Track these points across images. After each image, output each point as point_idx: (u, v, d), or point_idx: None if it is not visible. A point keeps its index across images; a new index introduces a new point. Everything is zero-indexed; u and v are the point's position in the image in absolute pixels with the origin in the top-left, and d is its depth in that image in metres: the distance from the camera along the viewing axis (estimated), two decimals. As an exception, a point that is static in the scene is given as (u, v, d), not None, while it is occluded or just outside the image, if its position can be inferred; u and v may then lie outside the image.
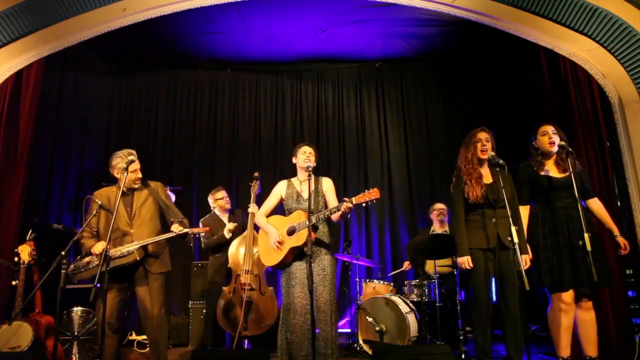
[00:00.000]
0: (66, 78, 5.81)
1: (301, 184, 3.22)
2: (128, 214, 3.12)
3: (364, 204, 2.87)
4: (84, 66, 5.98)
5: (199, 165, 6.24)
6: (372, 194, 2.85)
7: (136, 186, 3.17)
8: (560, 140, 3.06)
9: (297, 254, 3.06)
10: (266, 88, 6.54)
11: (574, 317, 2.98)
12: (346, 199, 2.88)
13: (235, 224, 4.25)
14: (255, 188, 4.23)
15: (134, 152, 3.17)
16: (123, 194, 3.09)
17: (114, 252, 2.93)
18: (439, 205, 4.87)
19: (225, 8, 4.45)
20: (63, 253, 2.72)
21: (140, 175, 3.17)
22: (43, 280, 2.89)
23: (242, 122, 6.40)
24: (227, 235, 4.21)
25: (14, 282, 3.52)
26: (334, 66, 6.50)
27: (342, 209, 2.86)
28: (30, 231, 3.68)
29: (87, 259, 3.01)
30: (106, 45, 5.39)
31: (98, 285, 2.58)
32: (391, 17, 5.21)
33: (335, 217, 3.01)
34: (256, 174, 4.30)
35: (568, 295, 2.94)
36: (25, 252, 3.50)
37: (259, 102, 6.48)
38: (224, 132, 6.37)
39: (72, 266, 3.02)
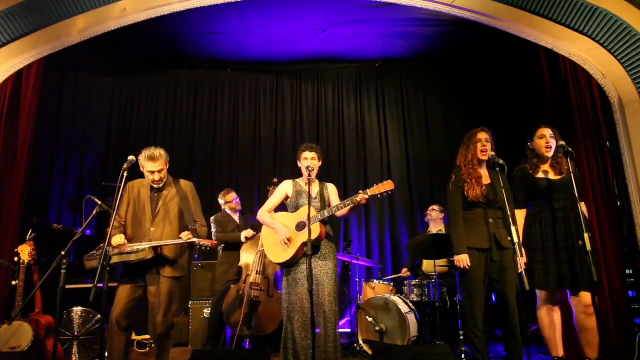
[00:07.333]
0: (66, 78, 5.80)
1: (306, 185, 3.23)
2: (152, 211, 3.07)
3: (379, 195, 2.92)
4: (84, 66, 5.98)
5: (199, 165, 6.24)
6: (387, 185, 2.91)
7: (156, 186, 3.11)
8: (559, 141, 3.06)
9: None
10: (266, 88, 6.54)
11: (559, 316, 3.06)
12: (361, 191, 2.93)
13: (254, 233, 4.26)
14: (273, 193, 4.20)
15: (152, 152, 3.14)
16: (152, 190, 3.11)
17: (127, 247, 2.91)
18: (435, 207, 4.89)
19: (224, 8, 4.45)
20: (63, 253, 2.71)
21: (156, 177, 3.08)
22: (43, 280, 2.89)
23: (242, 122, 6.40)
24: (242, 239, 4.26)
25: (14, 282, 3.51)
26: (334, 66, 6.49)
27: (358, 200, 2.90)
28: (30, 231, 3.67)
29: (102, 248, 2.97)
30: (106, 46, 5.38)
31: (100, 285, 2.57)
32: (391, 17, 5.21)
33: (342, 212, 3.05)
34: (275, 180, 4.23)
35: (554, 295, 3.02)
36: (25, 252, 3.50)
37: (259, 102, 6.48)
38: (224, 132, 6.36)
39: (91, 253, 3.00)
